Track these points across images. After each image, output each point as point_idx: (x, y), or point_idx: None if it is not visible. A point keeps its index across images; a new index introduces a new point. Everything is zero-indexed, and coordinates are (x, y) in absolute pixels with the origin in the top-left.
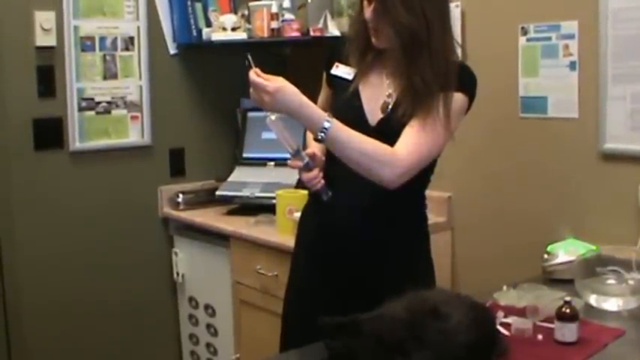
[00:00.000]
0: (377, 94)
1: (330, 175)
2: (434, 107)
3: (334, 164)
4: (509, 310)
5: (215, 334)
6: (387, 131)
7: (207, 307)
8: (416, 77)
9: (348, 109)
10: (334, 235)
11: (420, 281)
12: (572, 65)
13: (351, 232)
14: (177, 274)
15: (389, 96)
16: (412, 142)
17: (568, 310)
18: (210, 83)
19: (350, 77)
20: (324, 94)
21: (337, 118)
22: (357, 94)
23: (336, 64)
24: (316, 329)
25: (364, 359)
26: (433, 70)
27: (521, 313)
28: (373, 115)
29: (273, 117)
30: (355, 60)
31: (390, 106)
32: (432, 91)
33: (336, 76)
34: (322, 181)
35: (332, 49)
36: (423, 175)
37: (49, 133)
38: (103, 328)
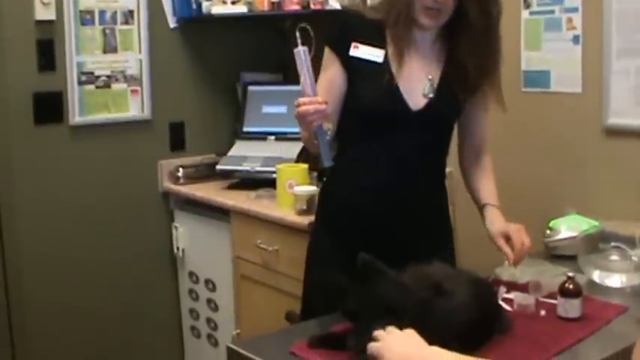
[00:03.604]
0: (415, 78)
1: (363, 156)
2: (497, 85)
3: (366, 147)
4: (512, 286)
5: (215, 309)
6: (431, 115)
7: (207, 281)
8: (489, 57)
9: (385, 95)
10: (370, 210)
11: (448, 258)
12: (575, 39)
13: (386, 210)
14: (178, 248)
15: (430, 79)
16: (487, 129)
17: (571, 286)
18: (210, 57)
19: (379, 60)
20: (329, 74)
21: (371, 104)
22: (392, 79)
23: (354, 44)
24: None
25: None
26: (499, 47)
27: (523, 288)
28: (414, 99)
29: (300, 48)
30: (396, 42)
31: (434, 89)
32: (499, 69)
33: (356, 58)
34: (325, 121)
35: (342, 27)
36: (446, 150)
37: (49, 107)
38: (102, 303)
